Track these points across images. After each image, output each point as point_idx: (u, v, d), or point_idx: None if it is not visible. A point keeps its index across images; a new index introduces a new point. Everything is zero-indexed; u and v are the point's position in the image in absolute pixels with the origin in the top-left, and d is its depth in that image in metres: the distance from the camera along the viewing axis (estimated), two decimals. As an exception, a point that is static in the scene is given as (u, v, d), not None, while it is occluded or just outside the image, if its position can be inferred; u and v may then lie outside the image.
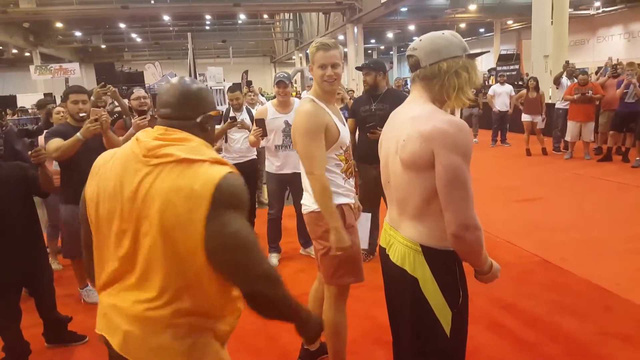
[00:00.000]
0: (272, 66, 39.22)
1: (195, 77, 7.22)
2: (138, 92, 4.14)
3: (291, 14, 31.11)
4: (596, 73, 11.68)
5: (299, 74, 21.74)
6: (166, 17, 26.82)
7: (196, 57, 7.23)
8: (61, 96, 3.80)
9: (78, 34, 29.69)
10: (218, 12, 25.69)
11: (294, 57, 32.84)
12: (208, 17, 29.10)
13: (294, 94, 7.21)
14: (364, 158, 4.02)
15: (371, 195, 3.97)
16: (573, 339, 2.85)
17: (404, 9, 24.54)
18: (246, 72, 20.22)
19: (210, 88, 9.84)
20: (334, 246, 2.21)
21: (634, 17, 21.04)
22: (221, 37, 30.20)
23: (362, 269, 2.40)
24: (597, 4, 22.92)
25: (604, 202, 5.80)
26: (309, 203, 2.39)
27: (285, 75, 4.19)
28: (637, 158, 7.72)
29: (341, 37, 25.09)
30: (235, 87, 5.19)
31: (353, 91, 13.46)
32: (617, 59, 11.11)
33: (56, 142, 3.17)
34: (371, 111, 4.03)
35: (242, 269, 1.25)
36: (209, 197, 1.22)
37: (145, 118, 3.65)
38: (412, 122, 1.52)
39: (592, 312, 3.16)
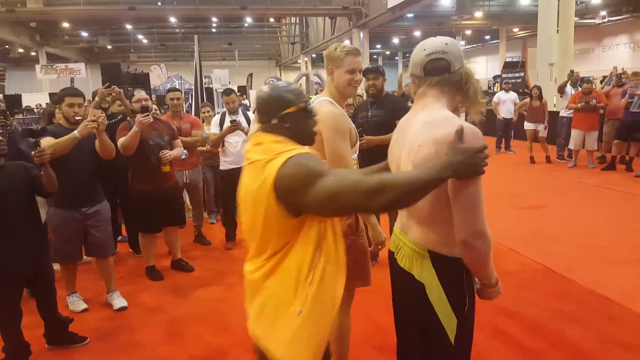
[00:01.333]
0: (277, 70, 39.30)
1: (201, 79, 7.23)
2: (139, 94, 4.13)
3: (297, 18, 31.21)
4: (601, 82, 11.67)
5: (304, 78, 21.78)
6: (173, 19, 26.97)
7: (202, 60, 7.24)
8: (55, 98, 3.77)
9: (84, 34, 29.86)
10: (224, 15, 25.83)
11: (299, 61, 32.91)
12: (214, 19, 29.24)
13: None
14: (362, 165, 4.03)
15: None
16: (576, 347, 2.85)
17: (410, 15, 24.61)
18: (251, 75, 20.28)
19: (215, 91, 9.86)
20: (374, 242, 2.34)
21: (639, 27, 21.02)
22: (227, 40, 30.30)
23: (370, 272, 2.41)
24: (603, 13, 22.93)
25: (608, 211, 5.79)
26: None
27: (277, 79, 4.20)
28: (642, 167, 7.70)
29: (347, 42, 25.11)
30: (229, 91, 5.15)
31: (361, 96, 13.48)
32: (622, 68, 11.08)
33: (49, 140, 3.11)
34: (367, 117, 4.03)
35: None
36: (267, 196, 1.50)
37: (147, 115, 3.67)
38: (428, 128, 1.49)
39: (595, 320, 3.16)
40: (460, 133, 1.39)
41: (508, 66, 19.87)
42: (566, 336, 2.97)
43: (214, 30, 31.43)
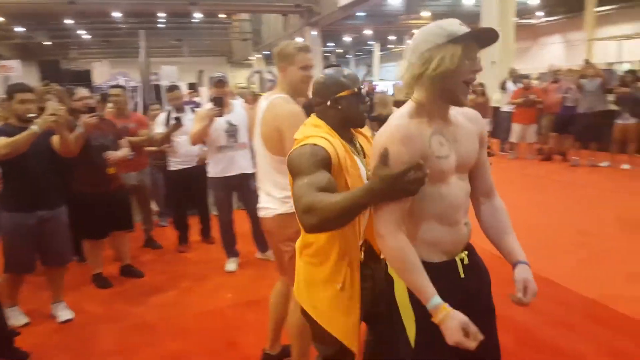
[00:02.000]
0: (228, 66, 38.73)
1: (148, 76, 7.05)
2: (81, 92, 3.96)
3: (249, 15, 30.85)
4: (538, 79, 12.29)
5: (256, 75, 21.60)
6: (116, 14, 26.01)
7: (149, 56, 7.05)
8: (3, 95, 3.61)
9: (19, 29, 28.26)
10: (173, 10, 25.13)
11: (251, 57, 32.57)
12: (162, 14, 28.43)
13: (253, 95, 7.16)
14: None
15: None
16: (525, 330, 2.96)
17: (360, 14, 24.90)
18: (202, 71, 19.89)
19: (164, 88, 9.64)
20: None
21: (572, 27, 22.22)
22: (176, 36, 29.56)
23: None
24: (540, 13, 24.08)
25: (553, 200, 6.17)
26: (274, 206, 2.35)
27: (224, 75, 4.13)
28: (575, 157, 8.21)
29: (299, 39, 25.06)
30: (173, 87, 5.02)
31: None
32: (552, 65, 11.77)
33: (3, 139, 2.93)
34: None
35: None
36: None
37: (93, 116, 3.52)
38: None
39: (545, 305, 3.26)
40: (383, 156, 1.36)
41: None
42: (517, 321, 3.01)
43: (161, 25, 30.57)
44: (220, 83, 4.01)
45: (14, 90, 3.20)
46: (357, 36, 32.12)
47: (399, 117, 1.49)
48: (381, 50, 34.96)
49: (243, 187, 4.07)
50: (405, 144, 1.41)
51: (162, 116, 4.84)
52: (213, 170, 4.11)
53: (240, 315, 3.44)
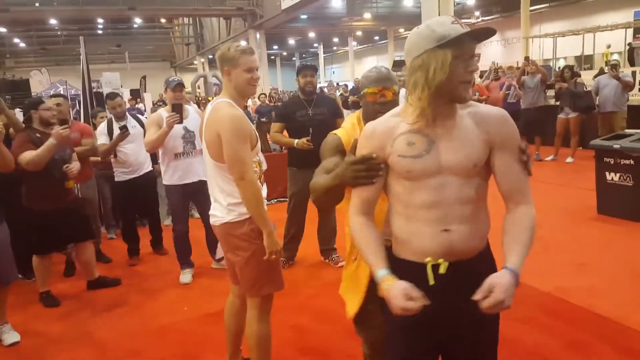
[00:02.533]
0: (172, 71, 37.82)
1: (89, 83, 6.70)
2: (50, 101, 3.75)
3: (191, 19, 30.28)
4: (481, 77, 12.74)
5: (201, 79, 21.19)
6: (53, 21, 24.81)
7: (89, 63, 6.71)
8: None
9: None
10: (111, 16, 24.29)
11: (195, 62, 31.98)
12: (100, 20, 27.41)
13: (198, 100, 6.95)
14: (300, 163, 3.96)
15: (304, 200, 3.98)
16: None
17: (304, 16, 24.98)
18: (144, 77, 19.33)
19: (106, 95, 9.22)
20: (269, 250, 2.21)
21: (509, 26, 23.26)
22: (116, 42, 28.56)
23: (282, 276, 2.38)
24: (477, 13, 25.07)
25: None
26: (220, 214, 2.28)
27: (180, 79, 4.00)
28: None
29: (243, 43, 24.81)
30: (114, 95, 4.78)
31: (265, 95, 13.44)
32: (497, 63, 12.21)
33: None
34: (309, 116, 3.96)
35: None
36: None
37: (67, 127, 3.44)
38: None
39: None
40: (353, 146, 1.54)
41: (397, 64, 20.92)
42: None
43: (100, 32, 29.45)
44: (178, 87, 3.88)
45: None
46: (301, 39, 32.23)
47: (387, 114, 1.55)
48: (325, 52, 35.26)
49: (200, 194, 3.90)
50: (367, 139, 1.50)
51: (103, 126, 4.57)
52: (170, 179, 3.95)
53: (197, 329, 3.28)
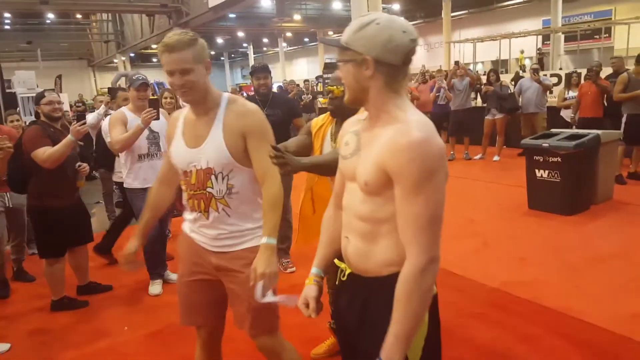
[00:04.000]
0: (90, 70, 35.68)
1: (2, 82, 6.10)
2: (51, 96, 3.56)
3: (110, 15, 28.67)
4: (410, 79, 13.16)
5: (122, 78, 20.17)
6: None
7: None
8: None
9: None
10: (20, 10, 22.39)
11: (115, 60, 30.35)
12: (7, 15, 25.21)
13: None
14: None
15: None
16: None
17: (232, 15, 24.52)
18: (59, 76, 18.00)
19: (19, 96, 8.46)
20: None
21: (431, 31, 24.29)
22: (26, 38, 26.43)
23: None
24: (402, 18, 25.91)
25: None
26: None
27: (145, 77, 3.76)
28: (452, 152, 8.88)
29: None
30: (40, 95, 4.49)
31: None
32: (424, 66, 12.72)
33: None
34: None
35: None
36: None
37: (84, 123, 3.48)
38: None
39: (450, 297, 3.32)
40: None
41: (328, 67, 21.06)
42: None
43: (8, 27, 27.10)
44: (143, 86, 3.66)
45: None
46: (230, 38, 31.64)
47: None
48: (255, 53, 34.88)
49: None
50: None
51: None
52: (132, 182, 3.72)
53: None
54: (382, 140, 1.28)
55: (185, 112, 1.97)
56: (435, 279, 1.30)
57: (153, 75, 13.13)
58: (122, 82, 19.15)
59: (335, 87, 2.20)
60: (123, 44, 28.86)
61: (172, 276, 3.97)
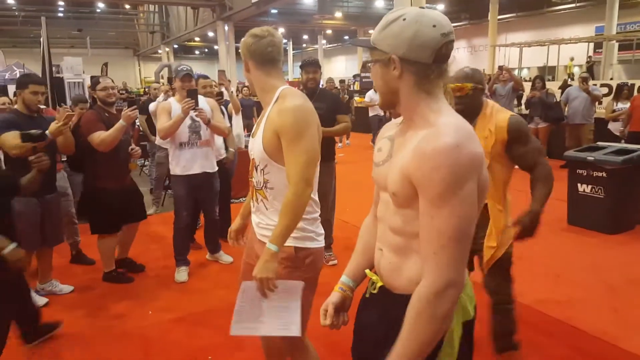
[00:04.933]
0: (135, 59, 36.69)
1: (50, 67, 6.31)
2: (105, 81, 3.78)
3: (156, 7, 29.38)
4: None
5: (165, 69, 20.59)
6: (11, 1, 23.52)
7: (49, 46, 6.30)
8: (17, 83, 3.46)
9: None
10: (72, -1, 23.27)
11: (160, 51, 31.10)
12: (61, 2, 26.22)
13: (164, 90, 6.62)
14: None
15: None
16: None
17: (274, 11, 24.67)
18: (106, 64, 18.58)
19: (67, 81, 8.74)
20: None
21: (476, 33, 23.75)
22: (77, 26, 27.39)
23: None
24: (447, 19, 25.51)
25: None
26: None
27: (189, 68, 3.85)
28: (490, 160, 8.62)
29: (211, 34, 24.41)
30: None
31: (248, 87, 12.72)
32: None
33: (14, 140, 2.97)
34: None
35: None
36: None
37: (135, 108, 3.68)
38: None
39: (479, 314, 3.28)
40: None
41: (366, 66, 20.98)
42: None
43: (61, 15, 28.14)
44: (187, 77, 3.78)
45: (28, 80, 3.32)
46: (272, 34, 31.83)
47: None
48: (295, 49, 35.04)
49: (204, 187, 3.95)
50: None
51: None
52: (174, 168, 3.90)
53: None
54: (410, 146, 1.19)
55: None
56: (454, 307, 1.16)
57: (196, 67, 13.17)
58: (165, 72, 19.62)
59: (464, 84, 2.20)
60: (168, 35, 29.55)
61: (225, 257, 4.31)
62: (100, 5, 27.05)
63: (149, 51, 34.00)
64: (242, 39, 1.92)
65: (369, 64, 1.28)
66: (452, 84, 2.16)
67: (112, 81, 3.90)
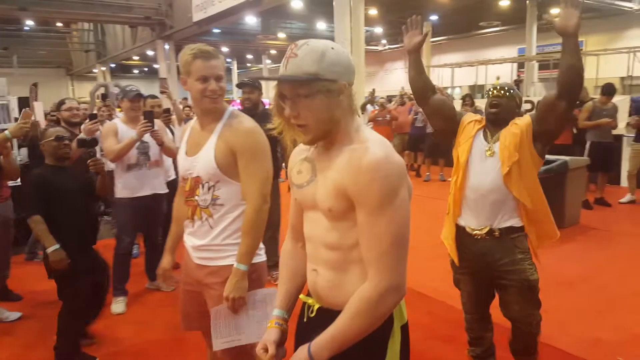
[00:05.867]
0: (68, 79, 35.22)
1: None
2: (70, 102, 3.83)
3: (91, 25, 28.46)
4: (390, 101, 13.39)
5: (101, 89, 19.92)
6: None
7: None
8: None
9: None
10: (-2, 15, 22.08)
11: (95, 70, 30.07)
12: (-16, 19, 24.77)
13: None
14: None
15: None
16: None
17: (217, 30, 24.58)
18: (35, 84, 17.70)
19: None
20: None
21: (413, 55, 24.75)
22: (2, 44, 25.97)
23: None
24: (384, 41, 26.45)
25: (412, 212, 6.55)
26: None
27: (138, 89, 3.78)
28: (427, 173, 9.01)
29: (151, 53, 23.93)
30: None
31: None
32: (403, 88, 12.98)
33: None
34: None
35: None
36: None
37: (97, 122, 3.69)
38: None
39: (418, 318, 3.41)
40: None
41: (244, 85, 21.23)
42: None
43: (-17, 32, 26.61)
44: (137, 97, 3.70)
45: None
46: (213, 53, 31.64)
47: None
48: (239, 69, 34.97)
49: (151, 209, 3.82)
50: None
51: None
52: (120, 192, 3.74)
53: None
54: (340, 163, 1.25)
55: (192, 122, 2.05)
56: (392, 309, 1.24)
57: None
58: (100, 92, 18.96)
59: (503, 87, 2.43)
60: (104, 54, 28.63)
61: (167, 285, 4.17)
62: (29, 22, 25.84)
63: (83, 70, 32.77)
64: (181, 55, 1.90)
65: (303, 98, 1.22)
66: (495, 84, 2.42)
67: (77, 102, 4.02)
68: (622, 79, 16.43)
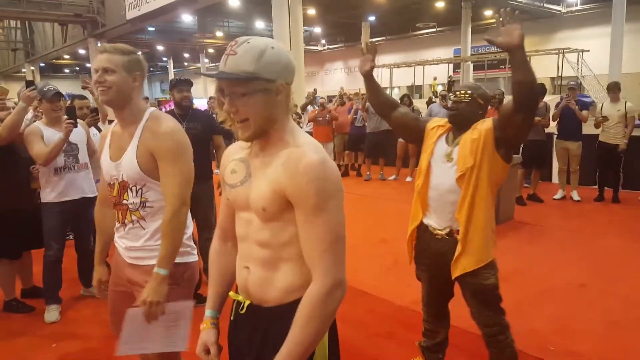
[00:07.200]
0: (-6, 79, 32.96)
1: None
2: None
3: (19, 22, 26.77)
4: (330, 101, 13.54)
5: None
6: None
7: None
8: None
9: None
10: None
11: (24, 70, 28.34)
12: None
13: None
14: None
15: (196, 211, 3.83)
16: (349, 345, 3.08)
17: (151, 29, 23.84)
18: (-45, 85, 16.47)
19: None
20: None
21: (351, 55, 25.14)
22: None
23: None
24: (323, 41, 26.70)
25: (352, 212, 6.60)
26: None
27: (57, 88, 3.55)
28: (368, 172, 9.17)
29: (82, 52, 22.88)
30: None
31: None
32: (342, 88, 13.13)
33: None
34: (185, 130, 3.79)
35: None
36: None
37: (34, 89, 3.45)
38: None
39: (362, 317, 3.37)
40: None
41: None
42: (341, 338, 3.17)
43: None
44: (56, 97, 3.47)
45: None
46: (149, 51, 30.69)
47: None
48: (176, 68, 34.10)
49: (81, 214, 3.64)
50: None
51: None
52: (47, 196, 3.54)
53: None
54: (276, 164, 1.27)
55: (113, 126, 1.99)
56: (339, 305, 1.28)
57: (65, 86, 12.21)
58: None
59: (465, 92, 2.42)
60: (32, 53, 27.05)
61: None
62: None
63: (10, 70, 30.81)
64: (136, 55, 1.90)
65: (241, 95, 1.23)
66: (459, 90, 2.43)
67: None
68: (553, 79, 17.51)
